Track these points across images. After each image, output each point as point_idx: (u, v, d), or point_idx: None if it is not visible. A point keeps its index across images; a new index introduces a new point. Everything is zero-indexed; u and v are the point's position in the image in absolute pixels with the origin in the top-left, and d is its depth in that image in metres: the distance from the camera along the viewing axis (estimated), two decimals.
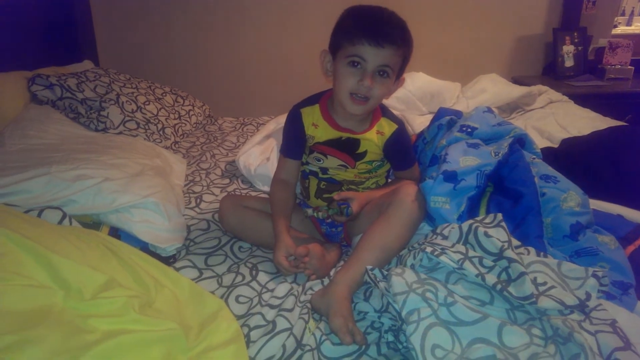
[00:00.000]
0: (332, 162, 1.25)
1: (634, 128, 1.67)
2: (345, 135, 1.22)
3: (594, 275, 0.85)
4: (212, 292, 1.05)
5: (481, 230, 0.93)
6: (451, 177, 1.11)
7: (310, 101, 1.27)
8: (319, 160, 1.27)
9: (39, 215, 1.04)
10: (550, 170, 1.21)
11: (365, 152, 1.24)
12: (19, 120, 1.58)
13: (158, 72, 2.72)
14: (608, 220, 1.16)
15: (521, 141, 1.31)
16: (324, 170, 1.28)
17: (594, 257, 0.98)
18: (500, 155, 1.17)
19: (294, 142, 1.27)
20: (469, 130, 1.31)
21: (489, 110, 1.42)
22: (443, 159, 1.19)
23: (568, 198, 1.09)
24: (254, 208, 1.30)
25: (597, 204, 1.26)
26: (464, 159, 1.18)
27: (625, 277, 0.93)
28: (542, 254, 0.93)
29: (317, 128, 1.24)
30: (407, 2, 2.76)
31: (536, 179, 1.14)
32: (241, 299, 1.03)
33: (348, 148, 1.23)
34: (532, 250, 0.94)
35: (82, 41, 2.48)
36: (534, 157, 1.28)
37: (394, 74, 1.12)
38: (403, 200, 1.07)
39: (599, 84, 2.83)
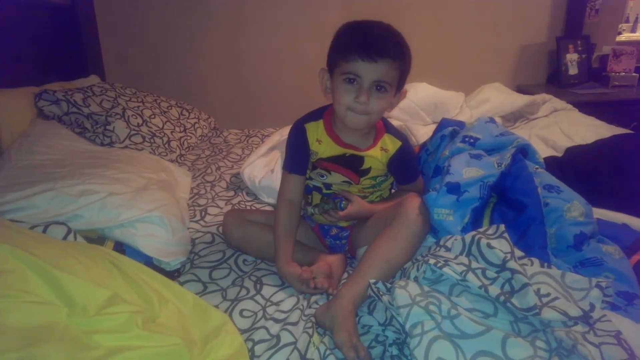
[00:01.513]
0: (336, 178, 1.25)
1: (636, 135, 1.66)
2: (349, 152, 1.22)
3: (598, 286, 0.85)
4: (216, 306, 1.05)
5: (484, 241, 0.93)
6: (454, 188, 1.11)
7: (313, 116, 1.26)
8: (322, 177, 1.26)
9: (44, 230, 1.05)
10: (553, 180, 1.21)
11: (369, 169, 1.24)
12: (26, 136, 1.60)
13: (164, 86, 2.75)
14: (613, 230, 1.15)
15: (524, 151, 1.31)
16: (328, 185, 1.27)
17: (598, 267, 0.97)
18: (503, 166, 1.17)
19: (299, 158, 1.26)
20: (472, 140, 1.31)
21: (492, 120, 1.41)
22: (446, 170, 1.19)
23: (572, 208, 1.09)
24: (258, 222, 1.30)
25: (601, 213, 1.26)
26: (467, 170, 1.18)
27: (630, 287, 0.93)
28: (545, 264, 0.92)
29: (321, 144, 1.23)
30: (410, 12, 2.80)
31: (539, 189, 1.14)
32: (245, 313, 1.03)
33: (352, 165, 1.23)
34: (535, 261, 0.93)
35: (88, 56, 2.51)
36: (537, 167, 1.28)
37: (392, 87, 1.12)
38: (408, 213, 1.07)
39: (603, 92, 2.82)
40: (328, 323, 0.97)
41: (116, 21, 2.71)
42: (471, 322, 0.78)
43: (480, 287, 0.85)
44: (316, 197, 1.30)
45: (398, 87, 1.15)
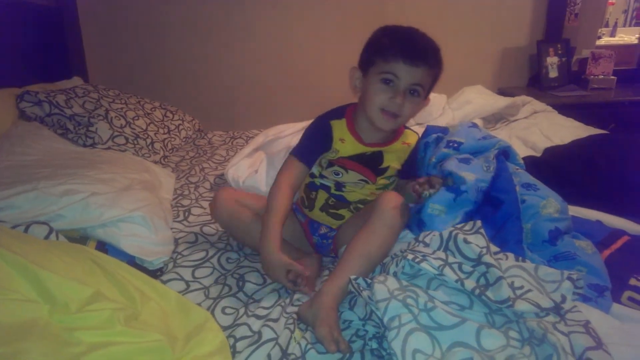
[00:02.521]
0: (352, 177, 1.25)
1: (612, 136, 1.70)
2: (369, 150, 1.23)
3: (569, 278, 0.87)
4: (199, 304, 1.06)
5: (461, 237, 0.96)
6: (454, 188, 1.13)
7: (337, 114, 1.26)
8: (337, 175, 1.26)
9: (26, 230, 1.05)
10: (531, 179, 1.24)
11: (387, 168, 1.26)
12: (7, 137, 1.60)
13: (148, 88, 2.75)
14: (587, 226, 1.19)
15: (505, 153, 1.34)
16: (340, 185, 1.27)
17: (572, 261, 1.00)
18: (491, 169, 1.18)
19: (314, 150, 1.25)
20: (456, 145, 1.33)
21: (474, 125, 1.44)
22: (441, 172, 1.21)
23: (547, 205, 1.12)
24: (250, 207, 1.28)
25: (576, 210, 1.29)
26: (463, 173, 1.19)
27: (601, 280, 0.96)
28: (520, 259, 0.95)
29: (344, 143, 1.23)
30: (392, 14, 2.83)
31: (517, 188, 1.17)
32: (227, 310, 1.04)
33: (371, 163, 1.25)
34: (510, 255, 0.96)
35: (71, 58, 2.50)
36: (517, 167, 1.31)
37: (424, 93, 1.16)
38: (384, 208, 1.09)
39: (582, 94, 2.88)
40: (311, 319, 0.99)
41: (100, 23, 2.71)
42: (447, 314, 0.81)
43: (456, 281, 0.87)
44: (321, 196, 1.29)
45: (427, 93, 1.19)
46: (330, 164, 1.25)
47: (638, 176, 1.39)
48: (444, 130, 1.48)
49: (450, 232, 0.98)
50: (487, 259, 0.88)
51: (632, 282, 0.96)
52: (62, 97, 1.87)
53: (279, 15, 2.82)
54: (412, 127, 2.17)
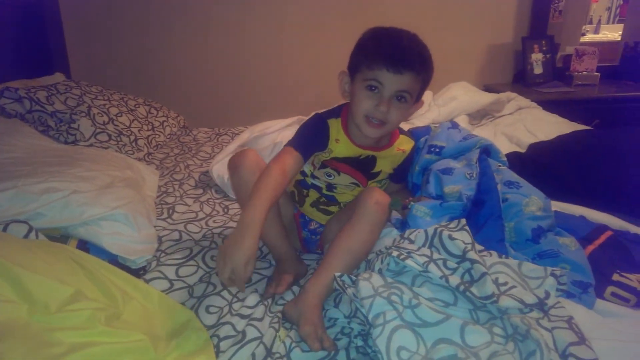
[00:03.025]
0: (343, 180, 1.24)
1: (596, 131, 1.72)
2: (364, 153, 1.21)
3: (553, 275, 0.88)
4: (183, 303, 1.05)
5: (445, 233, 0.96)
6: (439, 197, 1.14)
7: (334, 113, 1.22)
8: (329, 176, 1.24)
9: (5, 229, 1.03)
10: (514, 176, 1.24)
11: (379, 172, 1.25)
12: None
13: (131, 84, 2.71)
14: (570, 221, 1.20)
15: (487, 151, 1.35)
16: (331, 186, 1.26)
17: (555, 258, 1.01)
18: (475, 175, 1.18)
19: (310, 144, 1.19)
20: (437, 150, 1.33)
21: (453, 125, 1.43)
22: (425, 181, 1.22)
23: (530, 203, 1.12)
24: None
25: (560, 206, 1.30)
26: (447, 187, 1.19)
27: (584, 277, 0.96)
28: (503, 256, 0.95)
29: (339, 143, 1.20)
30: (378, 12, 2.83)
31: (499, 186, 1.17)
32: (211, 309, 1.03)
33: (364, 167, 1.23)
34: (494, 253, 0.96)
35: (53, 53, 2.45)
36: (500, 164, 1.31)
37: (412, 98, 1.12)
38: (366, 204, 1.08)
39: (566, 90, 2.91)
40: (295, 317, 0.99)
41: (82, 17, 2.65)
42: (431, 311, 0.81)
43: (441, 278, 0.87)
44: (313, 195, 1.28)
45: (417, 97, 1.16)
46: (323, 165, 1.23)
47: (621, 171, 1.40)
48: (427, 129, 1.48)
49: (435, 229, 0.98)
50: (472, 255, 0.89)
51: (615, 277, 0.97)
52: (43, 94, 1.83)
53: (267, 11, 2.79)
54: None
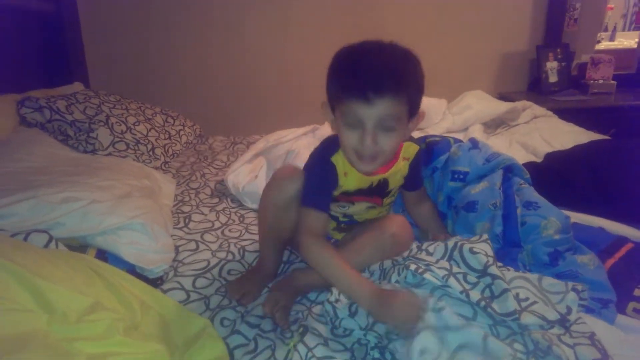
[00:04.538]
0: (359, 207, 1.17)
1: (615, 141, 1.70)
2: (375, 179, 1.12)
3: (574, 290, 0.87)
4: (200, 315, 1.05)
5: (467, 246, 0.95)
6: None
7: (333, 147, 1.09)
8: (343, 207, 1.17)
9: (25, 238, 1.04)
10: (534, 195, 1.21)
11: (392, 189, 1.18)
12: (7, 144, 1.59)
13: (149, 93, 2.74)
14: (589, 233, 1.18)
15: (510, 168, 1.32)
16: (349, 215, 1.21)
17: (574, 279, 0.98)
18: (498, 204, 1.16)
19: (328, 195, 1.11)
20: (462, 176, 1.30)
21: (474, 145, 1.39)
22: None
23: (548, 225, 1.09)
24: None
25: (579, 217, 1.28)
26: (478, 228, 1.19)
27: (605, 294, 0.94)
28: (521, 266, 0.95)
29: (347, 176, 1.10)
30: (394, 20, 2.84)
31: (519, 210, 1.15)
32: (225, 322, 1.03)
33: (378, 191, 1.15)
34: (511, 269, 0.95)
35: (72, 63, 2.49)
36: (523, 182, 1.29)
37: (403, 120, 0.99)
38: (383, 235, 1.06)
39: (582, 99, 2.88)
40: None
41: (101, 28, 2.70)
42: (455, 316, 0.80)
43: (461, 292, 0.86)
44: (332, 223, 1.23)
45: (412, 113, 1.01)
46: (335, 199, 1.15)
47: None
48: (446, 144, 1.41)
49: (456, 242, 0.97)
50: (493, 270, 0.88)
51: (637, 292, 0.95)
52: (62, 103, 1.86)
53: (281, 21, 2.82)
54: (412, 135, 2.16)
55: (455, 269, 0.92)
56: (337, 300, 0.97)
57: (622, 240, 1.16)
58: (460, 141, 1.44)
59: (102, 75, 2.71)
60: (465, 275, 0.90)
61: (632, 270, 1.03)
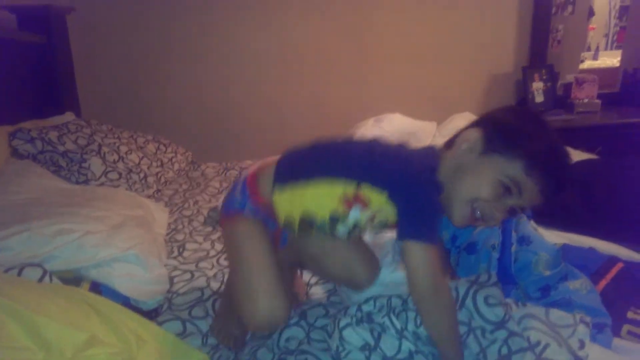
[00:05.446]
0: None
1: (603, 160, 1.73)
2: None
3: (582, 321, 0.87)
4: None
5: (481, 295, 0.91)
6: None
7: (437, 185, 0.95)
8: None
9: (19, 273, 1.04)
10: (528, 229, 1.19)
11: None
12: (0, 176, 1.59)
13: (141, 121, 2.76)
14: (580, 255, 1.19)
15: None
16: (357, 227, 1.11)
17: (568, 307, 0.98)
18: (496, 245, 1.14)
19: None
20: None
21: None
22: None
23: (539, 261, 1.09)
24: None
25: (569, 237, 1.30)
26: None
27: (600, 318, 0.95)
28: (527, 305, 0.94)
29: None
30: (383, 42, 2.89)
31: (514, 247, 1.14)
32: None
33: None
34: (515, 307, 0.94)
35: (64, 93, 2.50)
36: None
37: None
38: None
39: (568, 118, 2.93)
40: None
41: (92, 57, 2.72)
42: None
43: (478, 354, 0.86)
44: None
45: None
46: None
47: (629, 201, 1.41)
48: None
49: (468, 289, 0.93)
50: (512, 325, 0.86)
51: (630, 315, 0.96)
52: (54, 134, 1.87)
53: (270, 40, 2.85)
54: None
55: (474, 323, 0.89)
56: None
57: (613, 260, 1.17)
58: None
59: (93, 105, 2.72)
60: (483, 331, 0.88)
61: (624, 292, 1.04)
